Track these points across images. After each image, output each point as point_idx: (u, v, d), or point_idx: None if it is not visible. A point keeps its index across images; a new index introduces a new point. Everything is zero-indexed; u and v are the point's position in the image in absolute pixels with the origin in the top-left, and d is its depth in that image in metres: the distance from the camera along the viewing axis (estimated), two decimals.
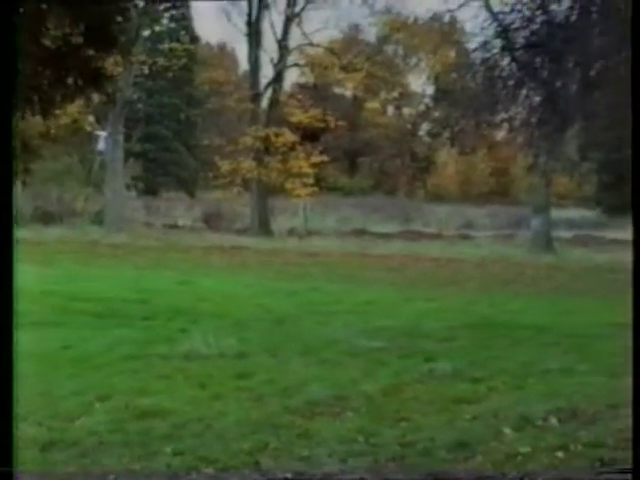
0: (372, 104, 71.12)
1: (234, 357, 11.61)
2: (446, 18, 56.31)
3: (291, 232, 47.98)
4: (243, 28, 50.54)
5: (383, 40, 65.60)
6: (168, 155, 60.83)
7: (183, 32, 58.64)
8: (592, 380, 10.78)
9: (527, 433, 8.19)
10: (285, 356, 11.85)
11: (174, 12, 60.89)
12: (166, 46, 52.12)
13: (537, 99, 19.65)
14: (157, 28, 58.11)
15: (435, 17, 56.25)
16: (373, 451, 7.44)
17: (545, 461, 7.34)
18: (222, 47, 69.14)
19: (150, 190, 53.89)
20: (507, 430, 8.26)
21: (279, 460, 7.17)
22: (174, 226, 48.86)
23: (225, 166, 48.70)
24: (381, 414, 8.67)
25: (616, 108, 17.68)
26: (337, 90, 68.67)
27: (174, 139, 62.04)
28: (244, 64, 52.24)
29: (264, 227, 47.97)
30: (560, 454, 7.53)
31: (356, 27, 64.96)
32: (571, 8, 16.23)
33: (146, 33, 51.12)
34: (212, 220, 49.27)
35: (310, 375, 10.40)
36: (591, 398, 9.51)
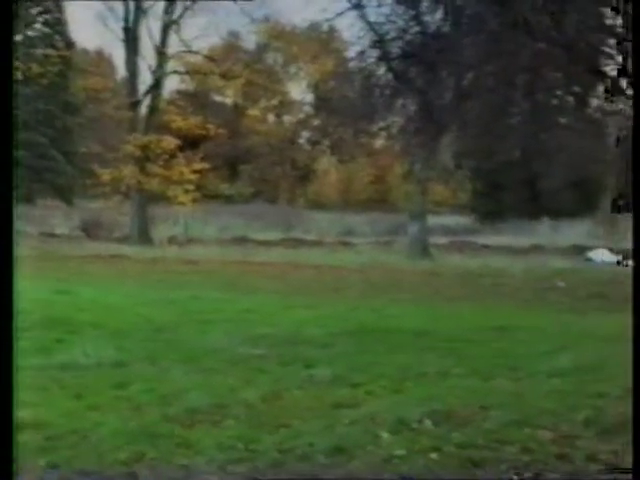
0: (252, 111, 71.25)
1: (112, 366, 11.51)
2: (324, 27, 56.84)
3: (172, 240, 47.84)
4: (120, 34, 50.24)
5: (262, 48, 65.91)
6: (44, 162, 60.10)
7: (58, 37, 58.03)
8: (466, 383, 10.94)
9: (403, 436, 8.29)
10: (164, 365, 11.79)
11: (48, 17, 60.21)
12: (40, 52, 51.42)
13: (413, 108, 19.88)
14: (30, 33, 57.33)
15: (313, 26, 56.81)
16: (252, 457, 7.48)
17: (420, 463, 7.45)
18: (99, 53, 68.70)
19: (26, 198, 53.21)
20: (384, 434, 8.35)
21: (156, 470, 7.17)
22: (51, 235, 48.27)
23: (105, 174, 48.32)
24: (261, 421, 8.71)
25: (487, 117, 17.96)
26: (217, 97, 68.82)
27: (50, 146, 61.35)
28: (122, 71, 51.83)
29: (144, 235, 47.79)
30: (434, 455, 7.66)
31: (235, 34, 65.22)
32: (444, 19, 16.47)
33: (19, 38, 50.22)
34: (91, 229, 48.87)
35: (190, 383, 10.37)
36: (464, 400, 9.66)
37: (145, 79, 52.07)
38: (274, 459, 7.45)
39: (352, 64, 25.30)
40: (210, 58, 56.44)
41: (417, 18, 16.58)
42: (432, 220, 44.57)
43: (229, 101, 69.84)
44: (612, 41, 15.71)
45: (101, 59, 68.33)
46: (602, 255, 36.49)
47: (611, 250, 37.25)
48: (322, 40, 60.92)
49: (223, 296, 21.91)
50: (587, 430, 8.62)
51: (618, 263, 17.90)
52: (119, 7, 50.05)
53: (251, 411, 9.14)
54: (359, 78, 21.29)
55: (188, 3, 51.18)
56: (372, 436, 8.23)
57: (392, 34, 17.04)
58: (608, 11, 15.45)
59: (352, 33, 45.92)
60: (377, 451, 7.79)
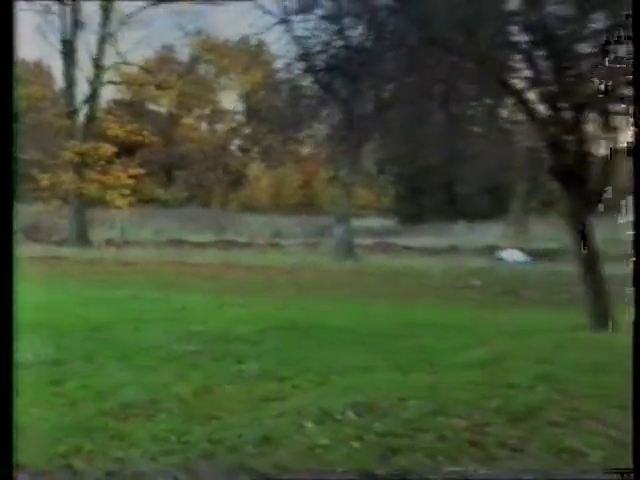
0: (186, 120, 71.34)
1: (51, 364, 11.46)
2: (254, 41, 56.94)
3: (109, 242, 47.60)
4: (58, 46, 50.01)
5: (195, 60, 65.98)
6: None
7: None
8: (387, 376, 11.05)
9: (327, 426, 8.36)
10: (101, 362, 11.75)
11: None
12: None
13: (337, 117, 19.96)
14: None
15: (243, 40, 56.99)
16: (184, 449, 7.50)
17: (343, 451, 7.53)
18: (38, 64, 67.97)
19: None
20: (309, 424, 8.41)
21: (93, 462, 7.18)
22: None
23: (44, 179, 48.06)
24: (193, 414, 8.72)
25: (407, 126, 18.12)
26: (152, 106, 68.53)
27: None
28: (61, 81, 51.54)
29: (83, 238, 47.59)
30: (356, 444, 7.74)
31: (169, 47, 65.16)
32: (366, 34, 16.56)
33: None
34: (31, 232, 48.42)
35: (125, 379, 10.36)
36: (385, 392, 9.75)
37: (83, 89, 52.04)
38: (204, 450, 7.49)
39: (280, 75, 25.36)
40: (145, 69, 56.56)
41: (340, 33, 16.64)
42: (357, 222, 44.80)
43: (164, 110, 69.64)
44: (518, 56, 15.96)
45: (40, 70, 67.68)
46: (513, 255, 36.89)
47: (521, 250, 37.66)
48: (252, 53, 61.06)
49: (159, 296, 21.87)
50: (498, 418, 8.76)
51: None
52: (57, 21, 49.85)
53: (183, 405, 9.16)
54: (286, 89, 21.36)
55: (124, 17, 51.18)
56: (298, 427, 8.29)
57: (317, 48, 17.08)
58: (515, 29, 15.69)
59: (280, 46, 46.08)
60: (302, 440, 7.86)
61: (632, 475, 3.68)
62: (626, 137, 25.85)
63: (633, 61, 6.89)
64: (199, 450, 7.48)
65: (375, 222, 53.59)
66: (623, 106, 16.90)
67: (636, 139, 6.20)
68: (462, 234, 44.10)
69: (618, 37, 15.63)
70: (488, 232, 43.75)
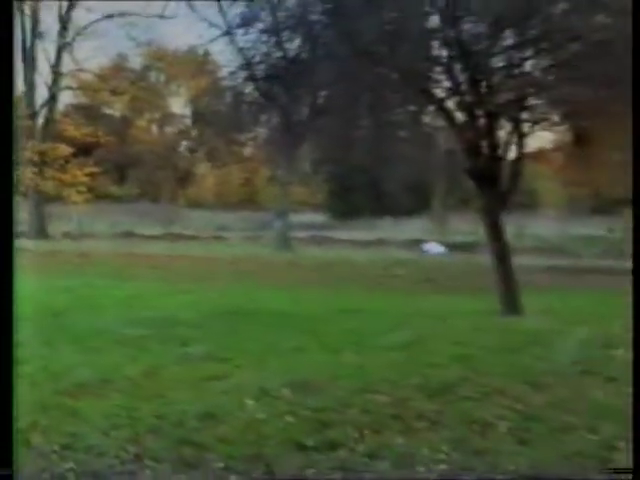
0: (138, 123, 71.03)
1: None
2: (200, 51, 56.93)
3: (66, 235, 47.22)
4: (19, 54, 49.74)
5: (146, 68, 65.81)
6: None
7: None
8: (319, 357, 11.11)
9: (265, 403, 8.41)
10: (57, 345, 11.71)
11: None
12: None
13: (275, 121, 20.03)
14: None
15: (191, 50, 57.11)
16: (133, 424, 7.52)
17: (279, 425, 7.59)
18: None
19: None
20: (249, 401, 8.46)
21: (48, 436, 7.18)
22: None
23: None
24: (141, 393, 8.72)
25: (338, 130, 18.22)
26: (107, 110, 68.06)
27: None
28: (21, 86, 51.02)
29: (41, 231, 47.25)
30: (290, 419, 7.81)
31: (123, 56, 64.81)
32: (301, 47, 16.64)
33: None
34: None
35: (79, 361, 10.33)
36: (318, 372, 9.82)
37: (42, 93, 51.74)
38: (151, 424, 7.51)
39: (224, 83, 25.41)
40: (100, 76, 56.34)
41: (279, 45, 16.70)
42: (293, 217, 44.86)
43: (117, 114, 69.29)
44: (438, 69, 16.14)
45: None
46: (434, 247, 37.16)
47: (441, 243, 37.94)
48: (198, 62, 61.18)
49: (112, 284, 21.78)
50: (417, 394, 8.87)
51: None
52: (17, 31, 49.50)
53: (133, 384, 9.16)
54: (230, 95, 21.41)
55: (80, 28, 51.01)
56: (238, 403, 8.34)
57: (257, 58, 17.12)
58: (436, 44, 15.85)
59: (224, 56, 46.30)
60: (242, 416, 7.91)
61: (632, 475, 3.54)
62: (533, 142, 26.09)
63: (633, 61, 6.83)
64: (147, 425, 7.50)
65: (310, 217, 53.62)
66: (530, 115, 17.16)
67: (635, 139, 6.13)
68: (388, 228, 44.32)
69: (526, 53, 15.93)
70: (411, 227, 44.01)
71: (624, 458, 6.87)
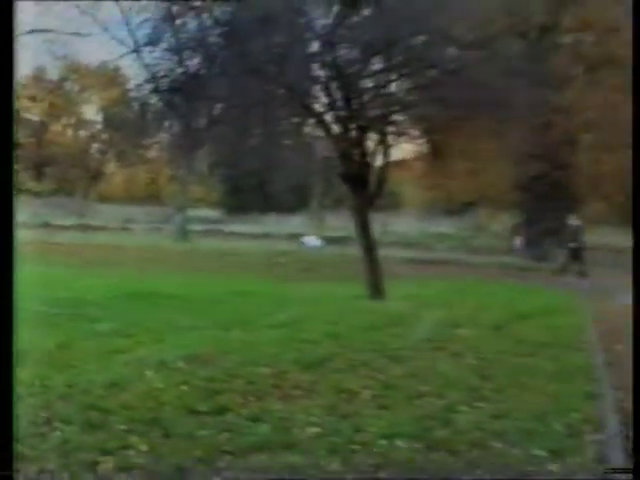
0: (55, 127, 69.79)
1: None
2: (111, 65, 56.31)
3: None
4: None
5: (63, 79, 64.86)
6: None
7: None
8: (211, 333, 11.06)
9: (163, 374, 8.33)
10: None
11: None
12: None
13: (177, 128, 19.85)
14: None
15: (103, 64, 56.43)
16: (45, 391, 7.38)
17: (175, 393, 7.53)
18: None
19: None
20: (149, 372, 8.38)
21: None
22: None
23: None
24: (54, 364, 8.58)
25: (232, 138, 18.22)
26: (27, 115, 66.55)
27: None
28: None
29: None
30: (185, 387, 7.76)
31: (41, 68, 63.60)
32: (201, 64, 16.58)
33: None
34: None
35: None
36: (209, 347, 9.78)
37: None
38: (61, 392, 7.38)
39: (132, 94, 25.07)
40: (21, 85, 55.33)
41: (180, 62, 16.62)
42: (192, 212, 44.69)
43: (36, 118, 67.89)
44: (318, 87, 16.28)
45: None
46: (312, 240, 37.31)
47: (318, 237, 38.14)
48: (109, 75, 60.59)
49: (29, 269, 21.27)
50: (294, 366, 8.89)
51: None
52: None
53: (48, 356, 9.00)
54: (137, 105, 21.12)
55: None
56: (139, 374, 8.25)
57: (162, 73, 17.01)
58: (316, 66, 15.97)
59: (132, 71, 45.80)
60: (142, 385, 7.82)
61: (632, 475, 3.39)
62: (397, 153, 26.47)
63: (633, 61, 6.69)
64: (58, 393, 7.36)
65: (206, 212, 53.42)
66: (394, 129, 17.42)
67: (635, 138, 5.98)
68: (273, 223, 44.42)
69: (391, 76, 16.19)
70: (293, 222, 44.22)
71: (463, 418, 7.02)
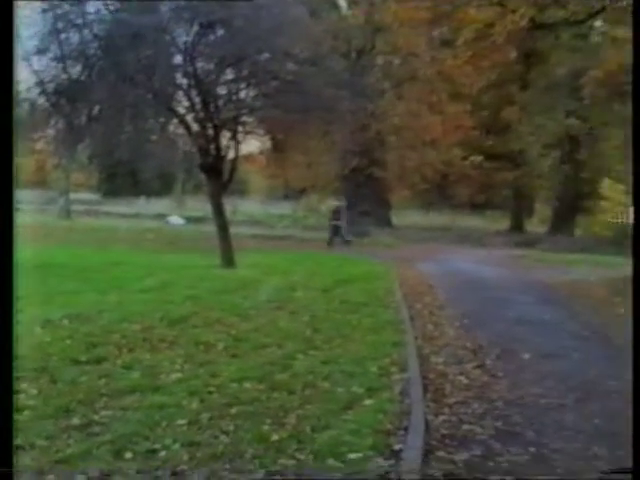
0: None
1: None
2: None
3: None
4: None
5: None
6: None
7: None
8: (90, 297, 10.79)
9: (49, 329, 8.14)
10: None
11: None
12: None
13: (61, 125, 19.17)
14: None
15: None
16: None
17: (60, 346, 7.32)
18: None
19: None
20: (37, 329, 8.15)
21: None
22: None
23: None
24: None
25: (108, 133, 17.83)
26: None
27: None
28: None
29: None
30: (68, 341, 7.59)
31: None
32: (82, 72, 16.09)
33: None
34: None
35: None
36: (90, 307, 9.56)
37: None
38: None
39: (22, 95, 24.08)
40: None
41: (64, 69, 16.11)
42: (73, 195, 43.21)
43: None
44: (180, 92, 16.13)
45: None
46: (175, 220, 36.72)
47: (180, 217, 37.61)
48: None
49: None
50: (161, 323, 8.80)
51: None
52: None
53: None
54: (27, 105, 20.24)
55: None
56: (30, 330, 7.99)
57: (48, 78, 16.48)
58: (179, 75, 15.78)
59: (23, 76, 44.03)
60: (33, 339, 7.59)
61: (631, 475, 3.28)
62: (246, 147, 26.35)
63: (633, 61, 6.42)
64: None
65: (85, 196, 51.80)
66: (243, 128, 17.44)
67: (635, 137, 5.71)
68: (142, 205, 43.51)
69: (241, 85, 16.21)
70: (159, 204, 43.44)
71: (299, 364, 7.11)
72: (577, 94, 33.77)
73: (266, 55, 16.32)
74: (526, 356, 8.56)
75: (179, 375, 6.47)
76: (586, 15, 20.66)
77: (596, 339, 10.25)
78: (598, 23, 35.58)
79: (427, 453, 4.90)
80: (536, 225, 44.16)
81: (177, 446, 4.69)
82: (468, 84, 37.42)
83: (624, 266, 18.66)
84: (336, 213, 28.23)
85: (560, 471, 4.79)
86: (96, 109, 17.47)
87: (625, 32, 22.23)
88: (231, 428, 5.08)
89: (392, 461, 4.54)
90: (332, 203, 29.88)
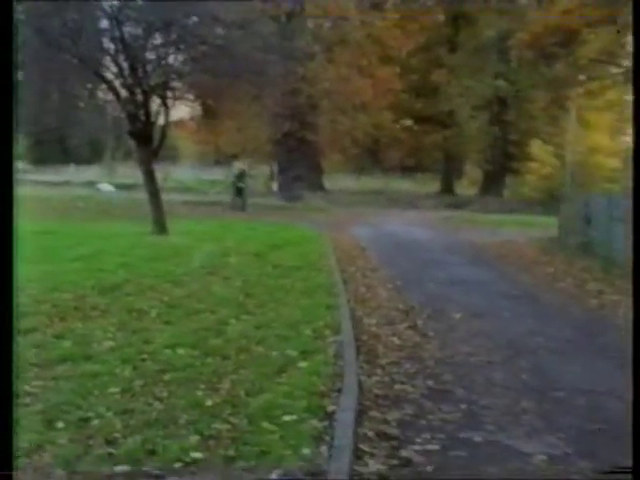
0: None
1: None
2: None
3: None
4: None
5: None
6: None
7: None
8: (22, 267, 10.48)
9: None
10: None
11: None
12: None
13: None
14: None
15: None
16: None
17: None
18: None
19: None
20: None
21: None
22: None
23: None
24: None
25: (35, 101, 17.40)
26: None
27: None
28: None
29: None
30: None
31: None
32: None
33: None
34: None
35: None
36: (21, 277, 9.28)
37: None
38: None
39: None
40: None
41: None
42: None
43: None
44: (108, 58, 15.75)
45: None
46: (105, 187, 36.01)
47: (111, 184, 36.89)
48: None
49: None
50: (93, 292, 8.64)
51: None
52: None
53: None
54: None
55: None
56: None
57: None
58: (106, 40, 15.38)
59: None
60: None
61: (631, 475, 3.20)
62: (176, 113, 25.95)
63: (633, 61, 6.27)
64: None
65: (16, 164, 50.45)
66: (173, 94, 17.17)
67: (636, 136, 5.51)
68: (72, 173, 42.56)
69: (169, 50, 15.90)
70: (89, 172, 42.54)
71: (232, 329, 7.09)
72: (505, 56, 34.17)
73: (194, 19, 16.06)
74: (457, 316, 8.72)
75: (112, 343, 6.38)
76: None
77: (525, 298, 10.50)
78: None
79: (360, 414, 4.96)
80: (466, 187, 44.81)
81: (110, 414, 4.64)
82: (397, 47, 37.57)
83: (551, 226, 19.20)
84: (239, 176, 28.30)
85: (490, 427, 4.92)
86: (21, 75, 16.97)
87: None
88: (165, 395, 5.05)
89: (326, 423, 4.58)
90: (236, 166, 29.91)
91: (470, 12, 39.23)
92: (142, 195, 18.30)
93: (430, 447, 4.50)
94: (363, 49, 36.60)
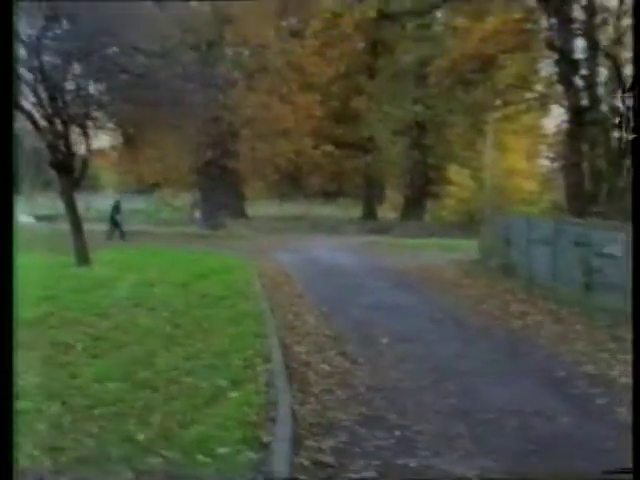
0: None
1: None
2: None
3: None
4: None
5: None
6: None
7: None
8: None
9: None
10: None
11: None
12: None
13: None
14: None
15: None
16: None
17: None
18: None
19: None
20: None
21: None
22: None
23: None
24: None
25: None
26: None
27: None
28: None
29: None
30: None
31: None
32: None
33: None
34: None
35: None
36: None
37: None
38: None
39: None
40: None
41: None
42: None
43: None
44: (27, 88, 15.35)
45: None
46: (24, 218, 34.85)
47: (29, 215, 35.87)
48: None
49: None
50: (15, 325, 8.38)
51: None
52: None
53: None
54: None
55: None
56: None
57: None
58: (21, 71, 15.02)
59: None
60: None
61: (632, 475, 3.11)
62: (97, 143, 25.60)
63: (633, 61, 6.24)
64: None
65: None
66: (93, 123, 16.90)
67: (635, 141, 5.53)
68: None
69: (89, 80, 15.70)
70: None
71: (161, 361, 7.00)
72: (423, 82, 34.85)
73: (114, 49, 15.92)
74: (384, 340, 8.83)
75: (37, 379, 6.21)
76: (428, 6, 21.36)
77: (450, 320, 10.69)
78: (439, 14, 37.17)
79: (296, 443, 4.96)
80: (388, 211, 45.35)
81: (37, 452, 4.52)
82: (317, 74, 37.92)
83: (471, 249, 19.62)
84: (116, 208, 28.38)
85: (425, 453, 4.98)
86: None
87: (464, 22, 23.23)
88: (95, 430, 4.95)
89: (262, 454, 4.56)
90: (113, 197, 30.50)
91: (388, 39, 39.94)
92: (63, 226, 17.90)
93: (367, 474, 4.53)
94: (283, 76, 36.84)
